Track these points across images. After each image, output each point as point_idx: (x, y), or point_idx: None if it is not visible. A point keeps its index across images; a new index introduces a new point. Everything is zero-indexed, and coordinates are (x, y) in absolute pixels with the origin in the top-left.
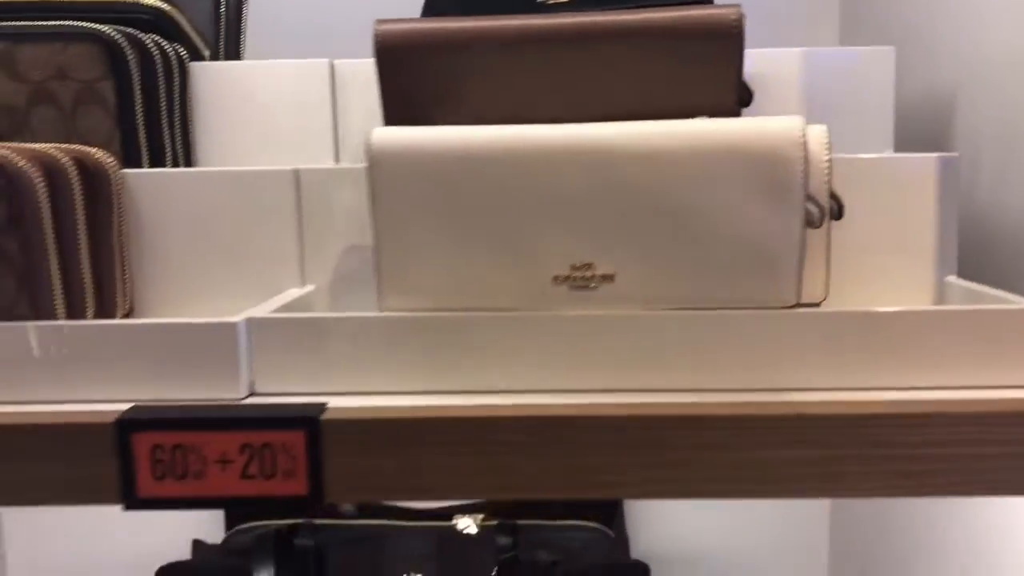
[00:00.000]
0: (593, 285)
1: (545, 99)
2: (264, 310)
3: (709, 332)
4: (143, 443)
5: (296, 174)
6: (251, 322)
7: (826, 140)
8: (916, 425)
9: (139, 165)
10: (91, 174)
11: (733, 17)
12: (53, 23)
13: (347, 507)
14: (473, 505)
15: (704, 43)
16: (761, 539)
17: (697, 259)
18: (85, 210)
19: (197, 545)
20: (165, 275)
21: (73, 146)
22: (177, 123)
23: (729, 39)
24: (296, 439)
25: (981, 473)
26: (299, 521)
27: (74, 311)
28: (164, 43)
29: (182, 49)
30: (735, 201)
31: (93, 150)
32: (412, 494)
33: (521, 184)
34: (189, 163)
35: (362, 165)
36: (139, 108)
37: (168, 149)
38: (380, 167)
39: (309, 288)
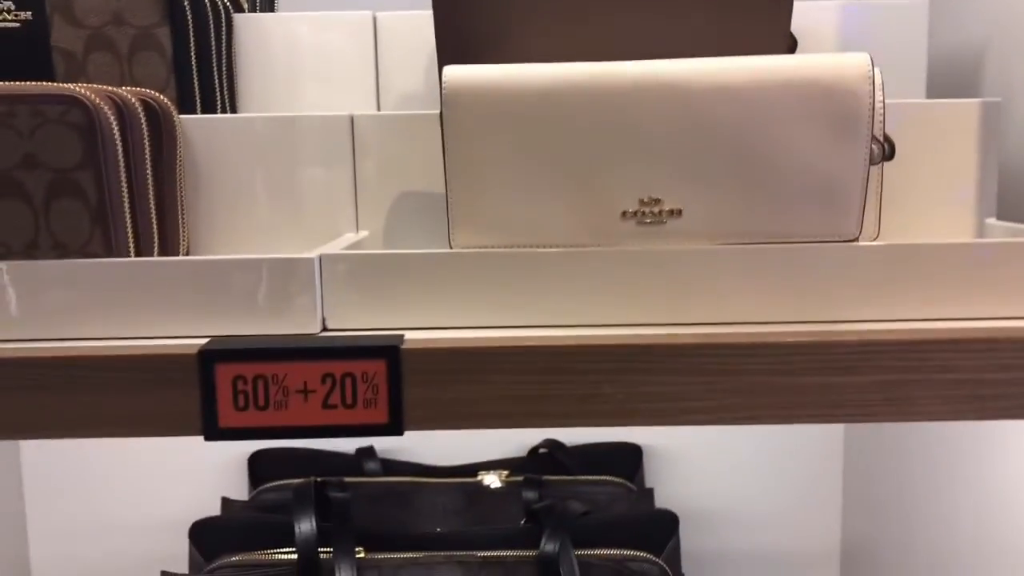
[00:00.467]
0: (662, 220)
1: (596, 47)
2: (335, 248)
3: (775, 265)
4: (225, 374)
5: (351, 119)
6: (325, 258)
7: (881, 81)
8: (981, 350)
9: (192, 111)
10: (156, 116)
11: None
12: None
13: (372, 465)
14: (494, 463)
15: None
16: (776, 494)
17: (763, 193)
18: (151, 151)
19: (226, 502)
20: (219, 220)
21: (139, 89)
22: (225, 72)
23: None
24: (377, 368)
25: None
26: (329, 479)
27: (142, 250)
28: None
29: None
30: (803, 134)
31: (157, 93)
32: (489, 421)
33: (592, 119)
34: (235, 112)
35: (412, 112)
36: (193, 55)
37: (218, 97)
38: (454, 104)
39: (364, 234)
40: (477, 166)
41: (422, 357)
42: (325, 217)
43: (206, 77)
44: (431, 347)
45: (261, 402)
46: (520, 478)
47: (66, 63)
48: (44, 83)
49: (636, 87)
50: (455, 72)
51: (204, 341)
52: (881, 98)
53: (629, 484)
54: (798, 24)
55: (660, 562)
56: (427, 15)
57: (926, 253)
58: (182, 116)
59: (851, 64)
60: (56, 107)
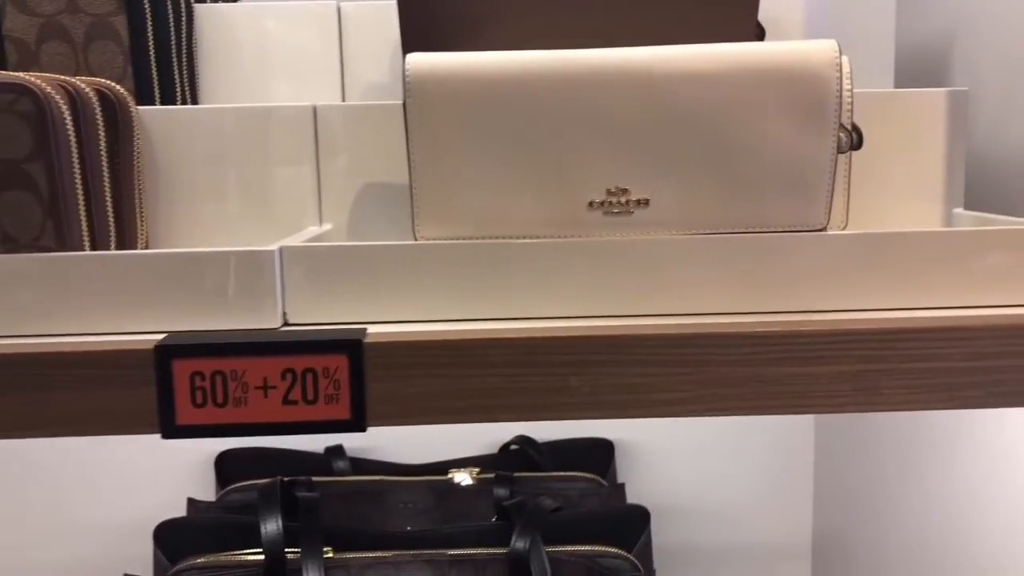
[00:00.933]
0: (629, 210)
1: (563, 35)
2: (294, 242)
3: (742, 255)
4: (183, 370)
5: (314, 110)
6: (286, 251)
7: (848, 70)
8: (950, 339)
9: (151, 102)
10: (112, 107)
11: None
12: None
13: (341, 464)
14: (465, 460)
15: None
16: (748, 488)
17: (731, 182)
18: (107, 142)
19: (192, 503)
20: (180, 213)
21: (94, 78)
22: (185, 62)
23: None
24: (339, 363)
25: (1014, 385)
26: (297, 478)
27: (97, 243)
28: None
29: None
30: (771, 122)
31: (113, 83)
32: (455, 416)
33: (558, 108)
34: (196, 104)
35: (377, 103)
36: (151, 45)
37: (178, 88)
38: (418, 93)
39: (328, 227)
40: (441, 156)
41: (385, 351)
42: (288, 210)
43: (165, 67)
44: (395, 341)
45: (220, 399)
46: (491, 475)
47: (19, 52)
48: None
49: (602, 75)
50: (418, 60)
51: (161, 336)
52: (849, 86)
53: (601, 480)
54: (767, 13)
55: (631, 557)
56: (393, 5)
57: (894, 242)
58: (140, 107)
59: (818, 50)
60: (5, 96)
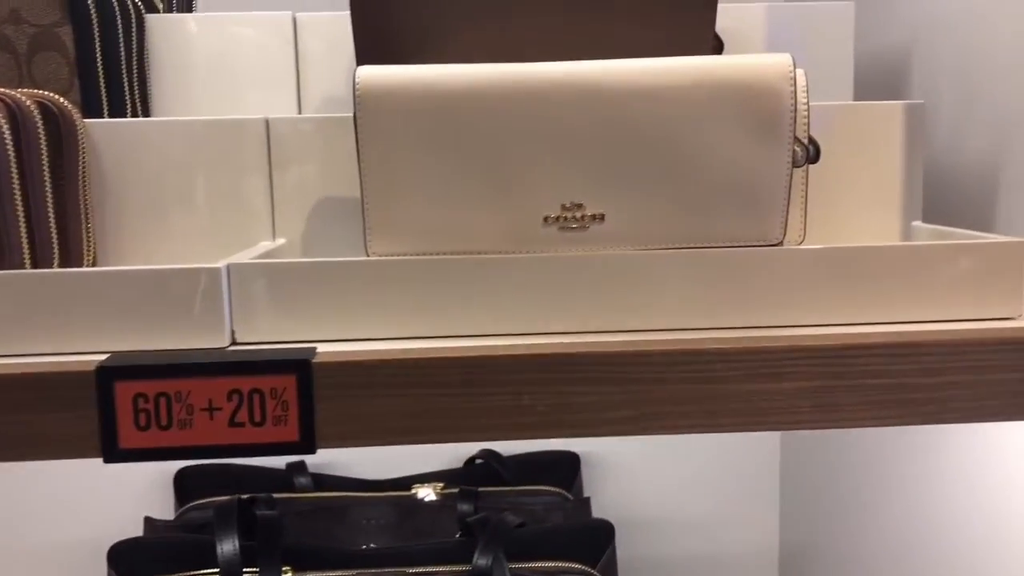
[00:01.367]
0: (584, 225)
1: (518, 48)
2: (244, 258)
3: (698, 270)
4: (125, 392)
5: (267, 123)
6: (234, 268)
7: (804, 83)
8: (908, 355)
9: (99, 115)
10: (55, 121)
11: None
12: None
13: (303, 480)
14: (429, 475)
15: None
16: (714, 500)
17: (686, 197)
18: (49, 157)
19: (149, 522)
20: (129, 229)
21: (36, 91)
22: (135, 74)
23: None
24: (287, 383)
25: (971, 400)
26: (257, 495)
27: (39, 262)
28: None
29: None
30: (725, 137)
31: (56, 96)
32: (406, 437)
33: (511, 123)
34: (147, 116)
35: (332, 115)
36: (99, 56)
37: (128, 100)
38: (368, 106)
39: (281, 242)
40: (393, 170)
41: (335, 371)
42: (242, 224)
43: (114, 79)
44: (345, 360)
45: (164, 421)
46: (456, 490)
47: None
48: None
49: (556, 88)
50: (369, 73)
51: (104, 357)
52: (804, 99)
53: (566, 493)
54: (725, 26)
55: (595, 572)
56: (348, 16)
57: (852, 256)
58: (87, 120)
59: (772, 64)
60: None
